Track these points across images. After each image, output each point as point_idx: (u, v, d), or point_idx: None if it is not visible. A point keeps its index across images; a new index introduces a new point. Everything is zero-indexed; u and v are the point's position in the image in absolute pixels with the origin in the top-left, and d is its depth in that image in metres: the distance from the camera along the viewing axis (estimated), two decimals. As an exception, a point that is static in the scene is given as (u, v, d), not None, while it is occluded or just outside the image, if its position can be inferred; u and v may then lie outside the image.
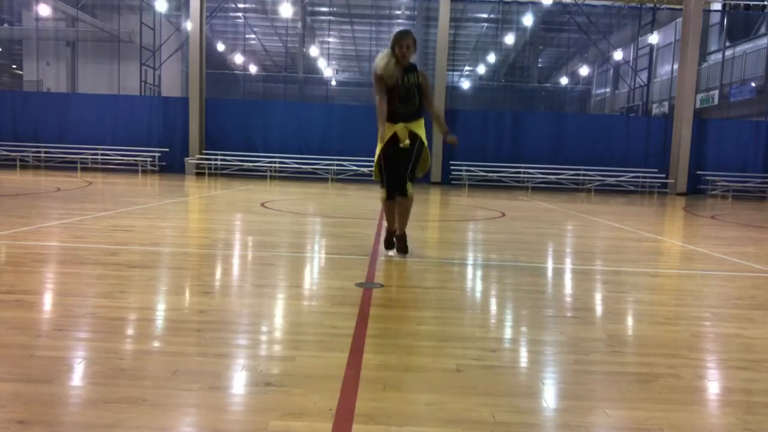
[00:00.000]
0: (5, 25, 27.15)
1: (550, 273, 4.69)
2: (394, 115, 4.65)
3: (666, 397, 2.13)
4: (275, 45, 33.36)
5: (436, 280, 4.10)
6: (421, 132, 4.73)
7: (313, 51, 30.55)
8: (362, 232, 6.47)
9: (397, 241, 4.88)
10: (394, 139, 4.64)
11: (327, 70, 31.27)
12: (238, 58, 30.22)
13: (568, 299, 3.72)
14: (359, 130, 19.23)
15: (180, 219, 7.50)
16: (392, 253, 4.93)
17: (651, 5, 22.78)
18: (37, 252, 4.52)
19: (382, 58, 4.58)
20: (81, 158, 18.92)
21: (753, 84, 21.44)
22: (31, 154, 19.09)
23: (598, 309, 3.52)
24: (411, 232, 6.65)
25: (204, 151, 19.24)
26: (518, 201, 13.23)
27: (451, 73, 29.38)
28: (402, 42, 4.53)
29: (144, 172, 18.73)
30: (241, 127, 19.58)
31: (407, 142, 4.58)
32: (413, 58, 4.71)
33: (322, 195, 12.95)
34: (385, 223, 5.06)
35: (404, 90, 4.61)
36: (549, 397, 2.11)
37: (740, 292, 4.05)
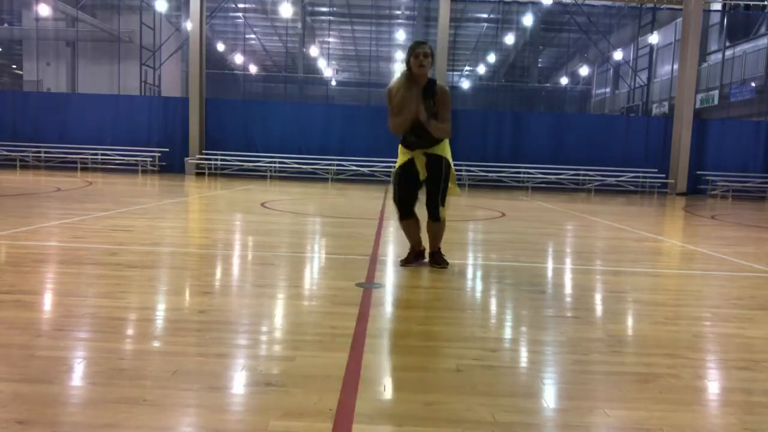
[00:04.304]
0: (5, 25, 27.15)
1: (550, 273, 4.69)
2: (410, 144, 4.30)
3: (666, 397, 2.13)
4: (275, 45, 33.37)
5: (436, 280, 4.10)
6: (444, 152, 4.31)
7: (313, 51, 30.55)
8: (362, 232, 6.46)
9: (431, 258, 4.50)
10: (409, 164, 4.31)
11: (327, 70, 31.27)
12: (238, 58, 30.21)
13: (568, 299, 3.72)
14: (359, 130, 19.25)
15: (180, 219, 7.50)
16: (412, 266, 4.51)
17: (651, 5, 22.78)
18: (37, 252, 4.51)
19: (395, 84, 4.20)
20: (81, 158, 18.92)
21: (753, 84, 21.44)
22: (31, 154, 19.08)
23: (598, 309, 3.52)
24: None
25: (204, 151, 19.24)
26: (518, 201, 13.23)
27: (451, 73, 29.40)
28: (418, 50, 4.07)
29: (144, 172, 18.73)
30: (241, 127, 19.58)
31: (424, 175, 4.28)
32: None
33: (322, 195, 12.95)
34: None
35: (418, 127, 4.17)
36: (549, 397, 2.11)
37: (740, 292, 4.05)
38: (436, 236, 4.48)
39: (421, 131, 4.21)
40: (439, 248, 4.52)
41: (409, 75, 4.17)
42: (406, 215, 4.44)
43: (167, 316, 2.95)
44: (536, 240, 6.75)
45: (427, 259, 4.57)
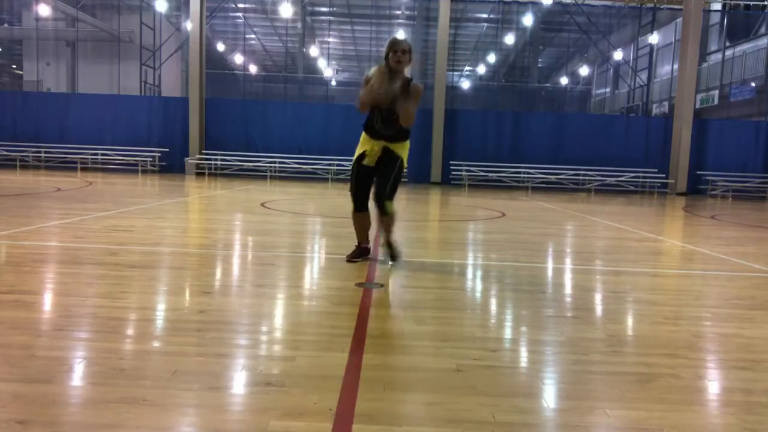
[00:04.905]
0: (5, 25, 27.15)
1: (550, 273, 4.69)
2: (375, 133, 4.43)
3: (666, 397, 2.13)
4: (275, 45, 33.35)
5: (436, 280, 4.10)
6: (403, 153, 4.49)
7: (313, 51, 30.54)
8: (362, 232, 6.46)
9: (387, 247, 4.56)
10: (364, 156, 4.44)
11: (327, 70, 31.26)
12: (238, 58, 30.20)
13: (568, 299, 3.72)
14: (359, 130, 19.20)
15: (180, 219, 7.49)
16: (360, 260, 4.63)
17: (651, 5, 22.77)
18: (37, 252, 4.51)
19: (375, 75, 4.30)
20: (81, 158, 18.91)
21: (753, 84, 21.44)
22: (31, 154, 19.08)
23: (598, 309, 3.52)
24: (411, 233, 6.67)
25: (204, 151, 19.24)
26: (518, 201, 13.23)
27: (451, 73, 29.35)
28: (397, 47, 4.24)
29: (144, 172, 18.73)
30: (241, 127, 19.58)
31: (369, 160, 4.41)
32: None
33: (321, 195, 12.95)
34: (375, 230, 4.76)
35: (386, 112, 4.32)
36: (549, 397, 2.11)
37: (740, 292, 4.05)
38: (389, 228, 4.56)
39: (388, 118, 4.34)
40: (392, 240, 4.59)
41: (387, 68, 4.31)
42: (360, 208, 4.57)
43: (167, 316, 2.95)
44: (536, 240, 6.75)
45: (370, 254, 4.73)
